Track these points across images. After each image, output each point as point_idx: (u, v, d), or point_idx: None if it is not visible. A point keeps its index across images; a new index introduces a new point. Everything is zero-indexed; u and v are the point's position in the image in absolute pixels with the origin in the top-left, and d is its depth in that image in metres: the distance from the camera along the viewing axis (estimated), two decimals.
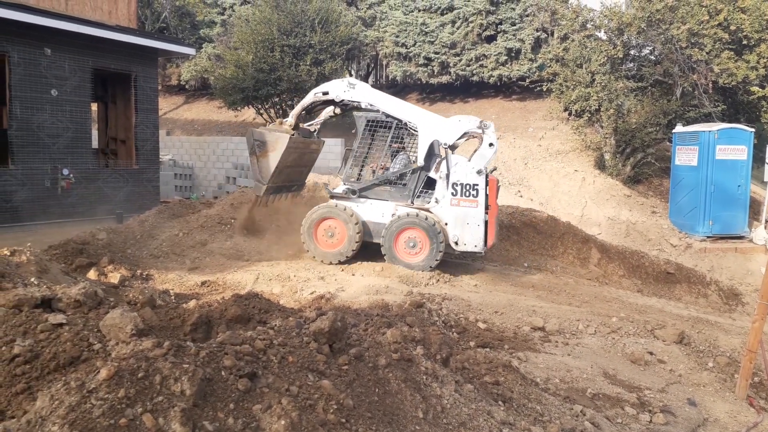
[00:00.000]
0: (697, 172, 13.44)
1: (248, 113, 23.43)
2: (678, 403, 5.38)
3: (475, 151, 9.28)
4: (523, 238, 11.62)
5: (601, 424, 4.58)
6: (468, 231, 9.18)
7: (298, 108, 10.03)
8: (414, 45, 21.46)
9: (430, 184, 9.47)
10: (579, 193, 15.07)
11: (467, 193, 9.14)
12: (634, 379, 5.82)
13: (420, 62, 21.49)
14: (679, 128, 14.35)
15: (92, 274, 7.63)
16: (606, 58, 15.53)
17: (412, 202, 9.44)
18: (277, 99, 20.95)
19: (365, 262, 10.01)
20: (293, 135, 9.86)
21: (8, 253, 5.44)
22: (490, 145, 9.15)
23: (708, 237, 13.28)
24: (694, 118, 15.09)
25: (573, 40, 16.92)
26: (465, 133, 9.27)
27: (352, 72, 25.88)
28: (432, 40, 21.20)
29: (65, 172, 12.26)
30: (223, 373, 2.70)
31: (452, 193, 9.18)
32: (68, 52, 12.33)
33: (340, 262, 9.42)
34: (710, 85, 14.79)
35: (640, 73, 16.24)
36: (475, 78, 20.96)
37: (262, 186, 9.72)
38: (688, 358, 6.51)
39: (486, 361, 5.12)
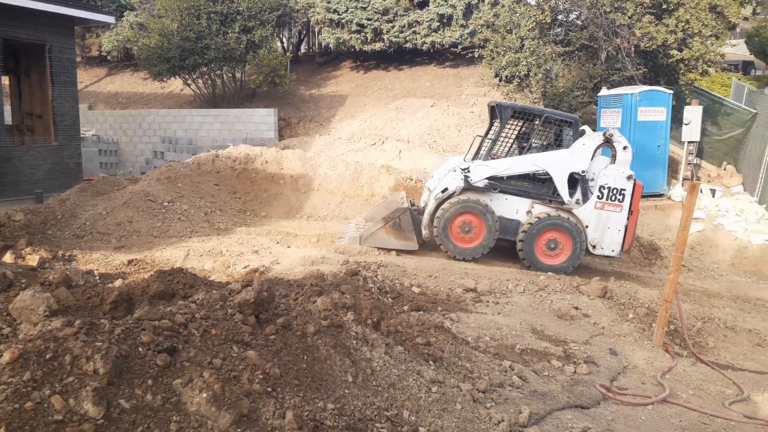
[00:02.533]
0: (621, 133, 13.94)
1: (175, 84, 22.53)
2: (600, 354, 5.67)
3: (614, 156, 9.03)
4: None
5: (528, 377, 4.77)
6: (608, 235, 8.91)
7: (428, 218, 9.10)
8: (346, 11, 21.09)
9: (573, 183, 9.08)
10: None
11: (614, 198, 8.84)
12: (560, 333, 6.08)
13: (353, 29, 21.16)
14: (603, 91, 14.81)
15: (8, 258, 7.23)
16: (535, 23, 15.76)
17: (550, 201, 9.03)
18: (205, 68, 20.24)
19: (300, 233, 9.95)
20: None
21: None
22: (624, 148, 8.97)
23: None
24: (618, 82, 15.61)
25: (503, 6, 17.05)
26: (596, 151, 8.97)
27: (284, 39, 25.26)
28: (364, 6, 20.88)
29: None
30: (140, 349, 2.62)
31: (598, 196, 8.85)
32: None
33: (473, 260, 9.00)
34: (632, 48, 15.28)
35: (567, 38, 16.58)
36: (408, 45, 20.86)
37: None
38: (610, 311, 6.85)
39: (419, 324, 5.22)
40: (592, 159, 8.93)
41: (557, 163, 8.93)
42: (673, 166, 15.04)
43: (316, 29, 23.96)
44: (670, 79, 16.21)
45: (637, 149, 13.68)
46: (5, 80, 14.45)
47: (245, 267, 7.40)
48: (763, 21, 30.96)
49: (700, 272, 10.48)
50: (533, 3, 16.52)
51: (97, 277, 6.18)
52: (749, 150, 14.49)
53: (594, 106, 16.28)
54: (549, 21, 15.85)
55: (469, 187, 8.91)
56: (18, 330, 3.00)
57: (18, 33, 12.38)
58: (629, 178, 8.86)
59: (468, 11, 20.01)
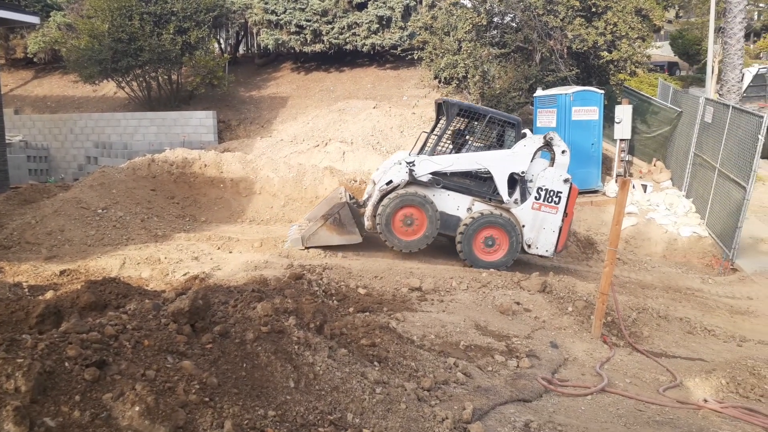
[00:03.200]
0: (557, 132, 14.36)
1: (108, 87, 21.70)
2: (542, 347, 5.81)
3: (553, 159, 9.33)
4: None
5: (472, 373, 4.83)
6: (543, 235, 9.16)
7: (371, 209, 9.17)
8: (284, 12, 20.86)
9: (513, 183, 9.28)
10: None
11: (550, 199, 9.11)
12: (503, 328, 6.20)
13: (292, 30, 20.95)
14: (539, 92, 15.22)
15: None
16: (471, 25, 16.03)
17: (490, 200, 9.20)
18: (139, 71, 19.58)
19: (242, 238, 9.77)
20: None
21: None
22: (563, 152, 9.29)
23: None
24: (553, 82, 16.07)
25: (440, 9, 17.28)
26: (536, 153, 9.22)
27: (221, 41, 24.76)
28: (303, 7, 20.72)
29: None
30: (66, 364, 2.49)
31: (536, 197, 9.10)
32: None
33: (411, 252, 9.06)
34: (565, 50, 15.78)
35: (503, 40, 16.95)
36: (348, 47, 20.84)
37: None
38: (550, 304, 7.04)
39: (364, 325, 5.20)
40: (531, 161, 9.22)
41: (498, 163, 9.17)
42: (606, 163, 15.61)
43: (255, 30, 23.61)
44: (602, 79, 16.83)
45: (572, 148, 14.16)
46: None
47: (185, 274, 7.20)
48: (686, 24, 32.67)
49: (635, 265, 10.92)
50: (469, 6, 16.81)
51: (26, 290, 5.87)
52: (676, 147, 15.22)
53: (530, 107, 16.70)
54: (485, 23, 16.17)
55: (413, 180, 9.04)
56: None
57: None
58: (566, 181, 9.21)
59: (406, 13, 20.18)
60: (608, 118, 15.36)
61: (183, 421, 2.52)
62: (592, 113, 14.27)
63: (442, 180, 9.17)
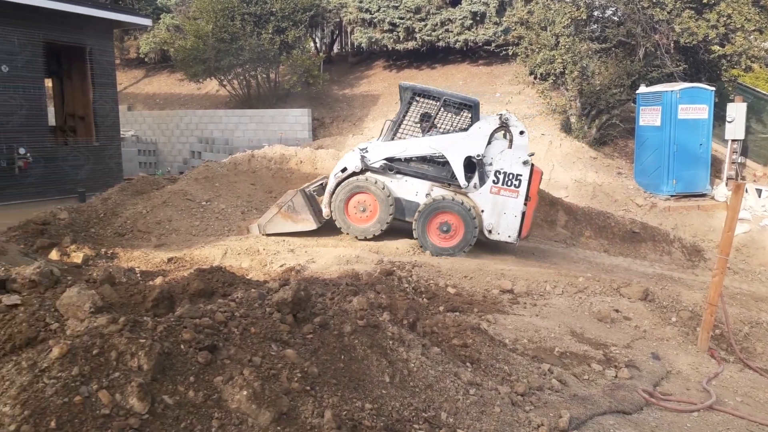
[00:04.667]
0: (661, 132, 13.63)
1: (211, 85, 22.89)
2: (642, 358, 5.52)
3: (511, 141, 8.97)
4: None
5: (568, 381, 4.68)
6: (504, 220, 8.93)
7: (327, 197, 9.30)
8: (378, 10, 21.10)
9: (472, 167, 9.09)
10: (546, 157, 15.18)
11: (509, 183, 8.84)
12: (600, 336, 5.95)
13: (385, 28, 21.16)
14: (642, 89, 14.48)
15: (54, 255, 7.44)
16: (570, 20, 15.49)
17: (449, 185, 9.09)
18: (239, 69, 20.49)
19: (336, 233, 9.97)
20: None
21: None
22: (521, 133, 8.90)
23: (672, 196, 13.55)
24: (657, 79, 15.24)
25: (537, 3, 16.81)
26: (492, 135, 8.98)
27: (316, 40, 25.43)
28: (396, 5, 20.86)
29: (22, 151, 11.85)
30: (182, 346, 2.65)
31: (494, 181, 8.88)
32: (17, 25, 11.78)
33: (367, 239, 9.14)
34: (672, 45, 14.91)
35: (603, 35, 16.26)
36: (441, 43, 20.76)
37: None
38: (652, 314, 6.68)
39: (454, 325, 5.17)
40: (489, 143, 8.92)
41: (453, 146, 8.97)
42: (716, 165, 14.61)
43: (349, 29, 24.05)
44: (712, 75, 15.76)
45: (678, 148, 13.40)
46: (48, 82, 14.88)
47: (281, 266, 7.46)
48: None
49: (747, 275, 10.15)
50: (568, 0, 16.26)
51: (138, 275, 6.29)
52: None
53: (632, 104, 15.93)
54: (585, 17, 15.56)
55: (366, 167, 9.05)
56: (65, 326, 3.06)
57: (60, 36, 12.74)
58: (525, 163, 8.82)
59: (501, 8, 19.81)
60: (719, 117, 14.36)
61: (286, 408, 2.61)
62: (701, 111, 13.41)
63: (397, 166, 9.11)
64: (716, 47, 14.50)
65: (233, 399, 2.52)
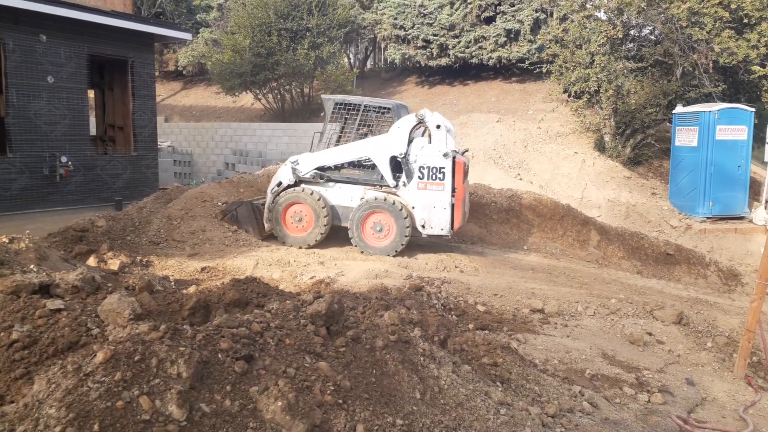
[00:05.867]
0: (698, 152, 13.39)
1: (246, 98, 23.33)
2: (676, 383, 5.41)
3: (430, 136, 9.34)
4: (522, 221, 11.62)
5: (599, 404, 4.61)
6: (435, 214, 9.28)
7: (267, 212, 9.83)
8: (412, 27, 21.29)
9: (400, 167, 9.54)
10: (579, 176, 15.04)
11: (434, 177, 9.22)
12: (632, 359, 5.84)
13: (418, 44, 21.32)
14: (679, 108, 14.27)
15: (92, 261, 7.64)
16: (606, 38, 15.39)
17: (381, 186, 9.54)
18: (275, 84, 20.85)
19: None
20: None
21: (7, 241, 5.45)
22: (438, 126, 9.23)
23: (708, 218, 13.27)
24: (695, 99, 14.99)
25: (572, 21, 16.76)
26: (412, 132, 9.36)
27: (350, 55, 25.73)
28: (431, 21, 21.02)
29: (63, 159, 12.23)
30: (219, 355, 2.71)
31: (419, 177, 9.28)
32: (64, 38, 12.23)
33: (309, 247, 9.52)
34: (711, 64, 14.67)
35: (640, 54, 16.10)
36: (474, 60, 20.82)
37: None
38: (686, 338, 6.53)
39: (484, 343, 5.14)
40: (410, 142, 9.27)
41: (377, 149, 9.42)
42: (754, 188, 14.26)
43: (383, 45, 24.29)
44: (752, 96, 15.45)
45: (715, 169, 13.14)
46: (90, 93, 15.36)
47: (311, 278, 7.53)
48: None
49: None
50: (604, 18, 16.15)
51: (173, 283, 6.43)
52: None
53: (668, 124, 15.69)
54: (621, 36, 15.44)
55: (300, 179, 9.58)
56: (105, 331, 3.16)
57: (104, 49, 13.17)
58: (446, 155, 9.11)
59: (536, 26, 19.81)
60: (758, 139, 14.04)
61: (319, 420, 2.63)
62: (740, 132, 13.13)
63: (329, 175, 9.60)
64: (757, 68, 14.22)
65: (268, 409, 2.56)
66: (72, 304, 3.49)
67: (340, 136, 10.15)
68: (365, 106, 9.83)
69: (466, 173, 9.47)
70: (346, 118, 10.16)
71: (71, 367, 2.44)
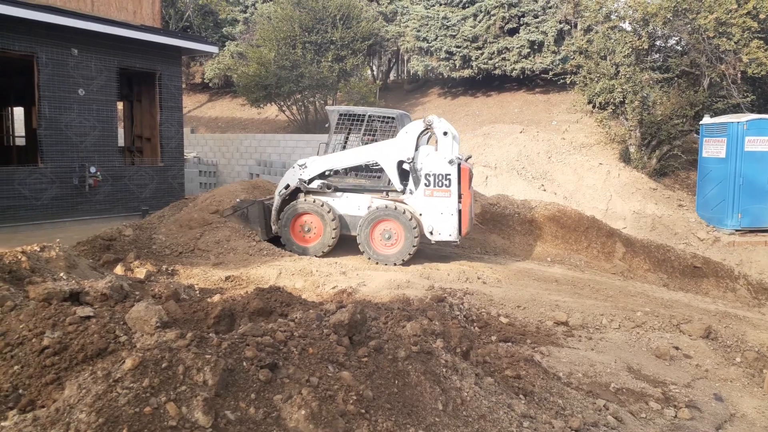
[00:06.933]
0: (726, 164, 13.17)
1: (271, 110, 23.62)
2: (704, 399, 5.30)
3: (437, 143, 9.46)
4: (546, 233, 11.52)
5: (624, 418, 4.54)
6: (442, 221, 9.34)
7: (274, 214, 9.93)
8: (435, 39, 21.38)
9: (406, 174, 9.66)
10: (604, 187, 14.88)
11: (440, 184, 9.30)
12: (659, 373, 5.75)
13: (441, 56, 21.40)
14: (706, 119, 14.07)
15: (119, 270, 7.79)
16: (631, 49, 15.28)
17: (388, 194, 9.62)
18: (299, 96, 21.08)
19: None
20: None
21: (38, 249, 5.58)
22: (445, 133, 9.35)
23: (737, 230, 13.01)
24: (722, 110, 14.78)
25: (597, 32, 16.68)
26: (419, 137, 9.47)
27: (374, 67, 25.91)
28: (454, 33, 21.09)
29: (93, 170, 12.50)
30: (244, 363, 2.75)
31: (425, 184, 9.36)
32: (94, 52, 12.55)
33: (321, 256, 9.57)
34: (739, 75, 14.46)
35: (665, 64, 15.95)
36: (497, 71, 20.82)
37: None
38: (714, 353, 6.41)
39: (507, 355, 5.12)
40: (417, 148, 9.43)
41: (384, 153, 9.51)
42: None
43: (406, 57, 24.42)
44: None
45: (744, 181, 12.91)
46: (119, 105, 15.70)
47: (333, 287, 7.56)
48: None
49: None
50: (629, 29, 16.04)
51: (198, 292, 6.52)
52: None
53: (695, 135, 15.48)
54: (646, 47, 15.32)
55: (307, 185, 9.68)
56: (133, 339, 3.22)
57: (133, 62, 13.47)
58: (451, 162, 9.20)
59: (560, 37, 19.75)
60: None
61: (342, 430, 2.65)
62: None
63: (335, 184, 9.71)
64: None
65: (291, 418, 2.58)
66: (101, 311, 3.57)
67: (344, 146, 10.29)
68: (369, 116, 9.93)
69: (470, 179, 9.56)
70: (350, 129, 10.32)
71: (101, 373, 2.50)
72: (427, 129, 9.44)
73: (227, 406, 2.51)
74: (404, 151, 9.44)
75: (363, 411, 2.89)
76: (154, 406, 2.34)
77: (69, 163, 12.28)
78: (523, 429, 3.57)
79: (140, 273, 7.75)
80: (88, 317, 3.40)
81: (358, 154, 9.76)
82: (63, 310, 3.38)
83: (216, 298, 5.76)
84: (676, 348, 6.39)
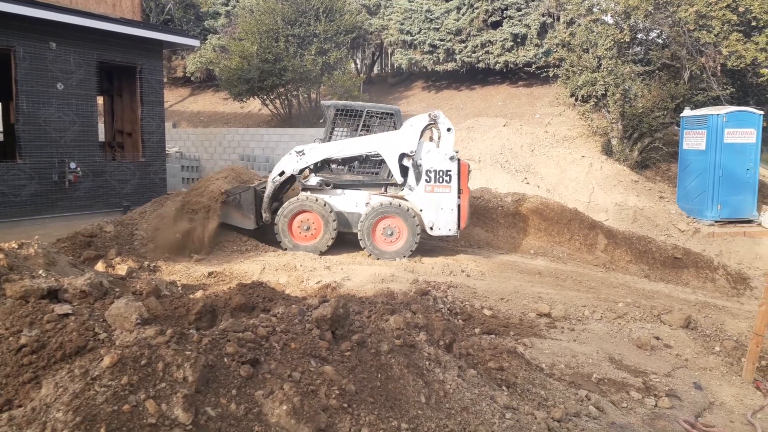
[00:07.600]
0: (706, 156, 13.33)
1: (254, 104, 23.44)
2: (684, 387, 5.39)
3: (439, 138, 9.50)
4: (529, 225, 11.60)
5: (605, 408, 4.59)
6: (442, 216, 9.44)
7: (266, 201, 9.71)
8: (419, 32, 21.33)
9: (405, 170, 9.67)
10: (586, 179, 14.99)
11: (441, 179, 9.40)
12: (639, 363, 5.83)
13: (425, 50, 21.36)
14: (687, 112, 14.21)
15: (100, 266, 7.70)
16: (612, 42, 15.37)
17: (386, 190, 9.64)
18: (282, 89, 20.93)
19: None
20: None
21: (16, 246, 5.50)
22: (448, 129, 9.47)
23: (716, 221, 13.19)
24: (702, 102, 14.94)
25: (579, 25, 16.75)
26: (422, 132, 9.54)
27: (357, 61, 25.81)
28: (437, 27, 21.06)
29: (72, 165, 12.32)
30: (225, 359, 2.73)
31: (426, 180, 9.43)
32: (73, 45, 12.35)
33: (321, 254, 9.45)
34: (718, 67, 14.61)
35: (647, 57, 16.07)
36: (480, 65, 20.83)
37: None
38: (694, 342, 6.51)
39: (491, 348, 5.15)
40: (419, 142, 9.51)
41: (387, 143, 9.53)
42: (763, 191, 14.17)
43: (389, 50, 24.35)
44: (760, 99, 15.38)
45: (724, 173, 13.08)
46: (99, 100, 15.48)
47: (318, 282, 7.55)
48: None
49: None
50: (611, 22, 16.14)
51: (180, 288, 6.47)
52: None
53: (676, 127, 15.64)
54: (628, 40, 15.42)
55: (305, 186, 9.62)
56: (113, 336, 3.19)
57: (113, 56, 13.28)
58: (452, 158, 9.36)
59: (543, 31, 19.81)
60: (767, 142, 13.97)
61: (324, 424, 2.65)
62: (748, 136, 13.06)
63: (332, 181, 9.65)
64: (765, 70, 14.16)
65: (273, 413, 2.57)
66: (80, 308, 3.53)
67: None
68: (367, 112, 9.90)
69: (468, 174, 9.68)
70: (347, 125, 10.21)
71: (78, 371, 2.47)
72: (430, 124, 9.50)
73: (208, 403, 2.49)
74: (407, 144, 9.46)
75: (345, 405, 2.89)
76: (132, 403, 2.31)
77: (48, 159, 12.09)
78: (505, 420, 3.60)
79: (122, 270, 7.67)
80: (67, 315, 3.36)
81: (359, 144, 9.70)
82: (41, 308, 3.33)
83: (198, 294, 5.72)
84: (657, 338, 6.48)
